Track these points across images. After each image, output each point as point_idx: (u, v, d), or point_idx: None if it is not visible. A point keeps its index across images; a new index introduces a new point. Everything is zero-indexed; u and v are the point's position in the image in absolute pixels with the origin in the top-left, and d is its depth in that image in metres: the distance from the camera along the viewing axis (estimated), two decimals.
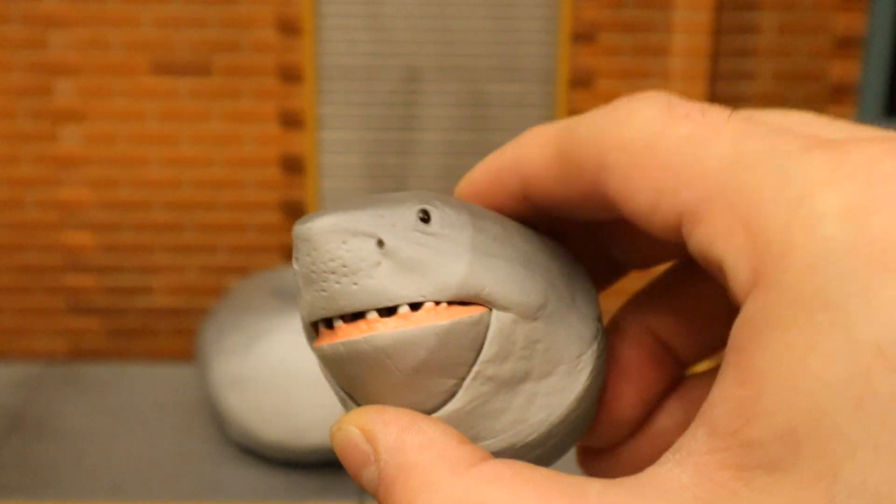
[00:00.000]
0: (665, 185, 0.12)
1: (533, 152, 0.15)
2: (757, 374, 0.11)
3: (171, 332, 0.49)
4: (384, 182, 0.47)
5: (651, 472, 0.12)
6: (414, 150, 0.47)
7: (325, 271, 0.14)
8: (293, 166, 0.47)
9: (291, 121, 0.46)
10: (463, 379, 0.14)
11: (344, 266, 0.14)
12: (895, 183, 0.11)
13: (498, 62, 0.46)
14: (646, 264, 0.17)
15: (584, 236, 0.17)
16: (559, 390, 0.15)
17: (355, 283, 0.14)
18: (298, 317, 0.38)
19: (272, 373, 0.36)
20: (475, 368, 0.15)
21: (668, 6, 0.44)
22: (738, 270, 0.11)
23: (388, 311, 0.14)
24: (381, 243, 0.14)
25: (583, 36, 0.45)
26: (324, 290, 0.15)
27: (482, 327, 0.15)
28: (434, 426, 0.14)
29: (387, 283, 0.15)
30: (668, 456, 0.12)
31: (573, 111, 0.47)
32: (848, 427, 0.11)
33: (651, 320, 0.17)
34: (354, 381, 0.15)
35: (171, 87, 0.46)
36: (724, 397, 0.12)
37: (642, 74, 0.46)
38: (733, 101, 0.46)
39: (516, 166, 0.15)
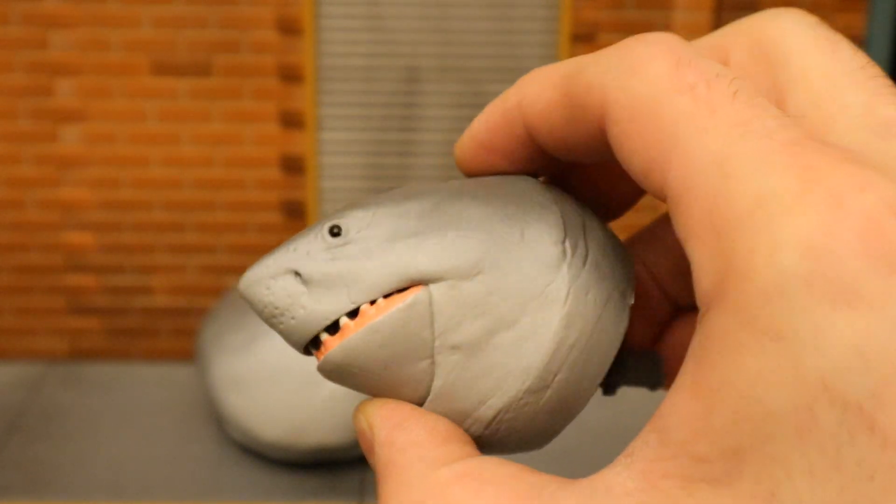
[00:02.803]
0: (656, 159, 0.13)
1: (538, 93, 0.15)
2: (709, 391, 0.12)
3: (171, 332, 0.49)
4: (384, 182, 0.47)
5: (603, 474, 0.12)
6: (414, 150, 0.47)
7: (268, 318, 0.16)
8: (293, 166, 0.47)
9: (291, 121, 0.46)
10: (432, 357, 0.16)
11: (276, 308, 0.17)
12: (860, 221, 0.11)
13: (498, 62, 0.46)
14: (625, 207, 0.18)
15: (585, 180, 0.18)
16: (536, 328, 0.16)
17: (293, 318, 0.16)
18: None
19: (272, 372, 0.36)
20: (436, 343, 0.16)
21: (668, 7, 0.44)
22: (702, 279, 0.12)
23: (336, 329, 0.16)
24: (297, 275, 0.16)
25: (583, 36, 0.45)
26: (280, 332, 0.17)
27: (424, 305, 0.17)
28: (422, 425, 0.15)
29: (316, 306, 0.16)
30: (620, 459, 0.12)
31: None
32: (788, 453, 0.11)
33: (648, 258, 0.18)
34: (353, 387, 0.17)
35: (171, 87, 0.46)
36: (677, 407, 0.12)
37: None
38: None
39: (520, 109, 0.16)
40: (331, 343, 0.17)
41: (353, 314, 0.17)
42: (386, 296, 0.17)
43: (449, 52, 0.45)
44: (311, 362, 0.36)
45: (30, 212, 0.47)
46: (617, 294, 0.17)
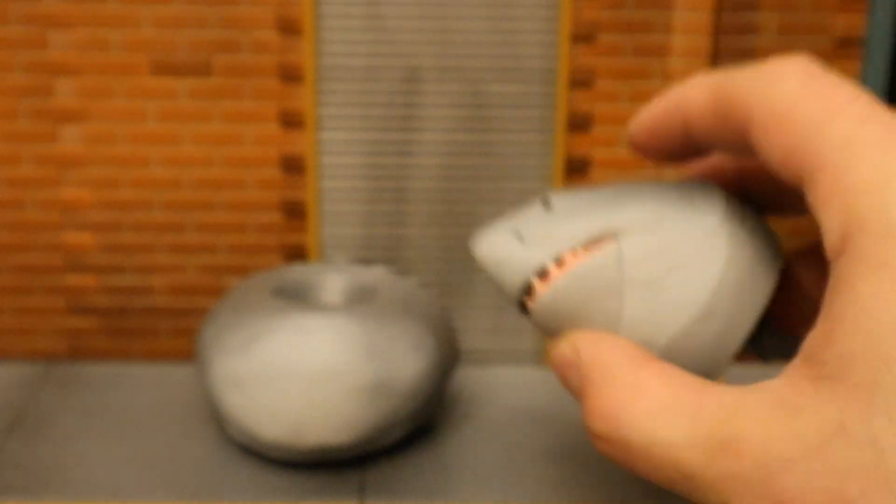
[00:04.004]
0: (794, 148, 0.17)
1: (694, 96, 0.20)
2: (835, 315, 0.16)
3: (171, 332, 0.49)
4: (384, 182, 0.47)
5: (761, 383, 0.17)
6: (414, 150, 0.47)
7: (492, 270, 0.23)
8: (293, 166, 0.47)
9: (291, 121, 0.46)
10: (621, 294, 0.21)
11: (498, 260, 0.23)
12: None
13: (498, 63, 0.46)
14: (782, 212, 0.23)
15: (737, 182, 0.23)
16: (703, 269, 0.21)
17: (511, 268, 0.23)
18: (300, 316, 0.38)
19: (272, 372, 0.36)
20: (625, 283, 0.21)
21: (668, 7, 0.44)
22: (831, 235, 0.16)
23: (545, 277, 0.23)
24: (517, 234, 0.22)
25: (582, 36, 0.45)
26: (501, 282, 0.23)
27: (614, 252, 0.21)
28: (621, 342, 0.21)
29: (528, 256, 0.23)
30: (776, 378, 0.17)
31: (573, 111, 0.47)
32: (890, 351, 0.14)
33: (801, 272, 0.24)
34: (557, 329, 0.22)
35: (171, 87, 0.46)
36: (814, 332, 0.16)
37: (642, 75, 0.46)
38: None
39: (679, 108, 0.20)
40: (540, 287, 0.23)
41: (559, 264, 0.22)
42: (585, 248, 0.22)
43: (449, 52, 0.45)
44: (312, 361, 0.36)
45: (29, 212, 0.47)
46: (769, 255, 0.21)
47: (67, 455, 0.40)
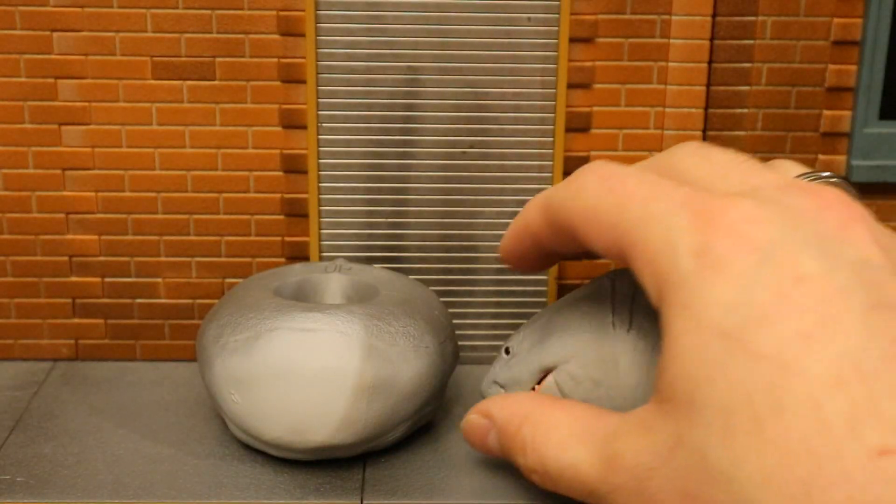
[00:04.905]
0: (608, 240, 0.21)
1: (532, 218, 0.25)
2: (663, 353, 0.19)
3: (173, 332, 0.49)
4: (384, 182, 0.48)
5: (635, 409, 0.22)
6: (414, 150, 0.47)
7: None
8: (294, 167, 0.47)
9: (292, 122, 0.46)
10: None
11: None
12: (725, 229, 0.19)
13: (497, 64, 0.46)
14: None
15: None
16: (610, 381, 0.30)
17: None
18: (300, 315, 0.39)
19: (273, 371, 0.36)
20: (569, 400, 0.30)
21: (667, 10, 0.45)
22: (651, 293, 0.20)
23: None
24: (496, 383, 0.35)
25: (582, 38, 0.45)
26: None
27: (553, 385, 0.31)
28: (520, 392, 0.29)
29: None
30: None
31: (572, 112, 0.47)
32: (698, 373, 0.18)
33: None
34: None
35: (174, 89, 0.46)
36: (657, 367, 0.20)
37: (640, 77, 0.46)
38: (730, 102, 0.46)
39: (525, 230, 0.26)
40: None
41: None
42: (538, 382, 0.32)
43: (449, 53, 0.46)
44: (313, 361, 0.37)
45: (34, 212, 0.47)
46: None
47: (71, 453, 0.40)
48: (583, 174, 0.23)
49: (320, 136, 0.46)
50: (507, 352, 0.34)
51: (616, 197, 0.21)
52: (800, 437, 0.16)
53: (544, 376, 0.32)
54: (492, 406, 0.27)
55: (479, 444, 0.30)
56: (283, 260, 0.48)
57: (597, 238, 0.22)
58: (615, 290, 0.31)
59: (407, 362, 0.37)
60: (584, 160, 0.47)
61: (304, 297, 0.43)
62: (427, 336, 0.38)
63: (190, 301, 0.49)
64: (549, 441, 0.23)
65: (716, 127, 0.46)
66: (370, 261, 0.48)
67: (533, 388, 0.32)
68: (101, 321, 0.49)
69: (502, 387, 0.34)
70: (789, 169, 0.25)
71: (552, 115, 0.46)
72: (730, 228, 0.19)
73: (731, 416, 0.17)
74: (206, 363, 0.39)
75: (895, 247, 0.20)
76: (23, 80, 0.46)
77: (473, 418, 0.29)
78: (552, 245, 0.26)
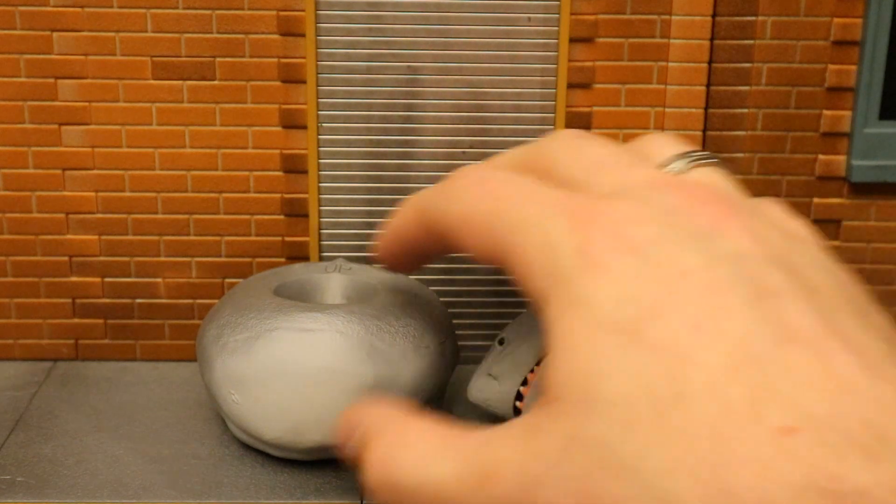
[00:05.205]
0: (486, 245, 0.21)
1: (406, 222, 0.25)
2: (550, 351, 0.19)
3: (173, 332, 0.49)
4: (384, 182, 0.48)
5: (515, 419, 0.20)
6: (414, 150, 0.47)
7: (484, 405, 0.38)
8: (294, 167, 0.47)
9: (293, 122, 0.46)
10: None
11: (487, 399, 0.37)
12: (604, 229, 0.19)
13: (498, 63, 0.46)
14: None
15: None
16: None
17: (496, 402, 0.38)
18: (299, 315, 0.39)
19: (273, 372, 0.36)
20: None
21: (667, 10, 0.45)
22: (533, 296, 0.20)
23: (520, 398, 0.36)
24: (490, 375, 0.37)
25: (581, 38, 0.45)
26: (494, 413, 0.38)
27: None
28: (391, 399, 0.25)
29: (504, 390, 0.37)
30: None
31: (572, 112, 0.47)
32: (591, 369, 0.18)
33: None
34: None
35: (174, 89, 0.46)
36: (541, 369, 0.20)
37: (640, 77, 0.46)
38: (730, 102, 0.46)
39: (401, 233, 0.26)
40: (520, 406, 0.35)
41: (525, 385, 0.35)
42: (531, 371, 0.34)
43: (449, 52, 0.46)
44: (313, 361, 0.37)
45: (34, 212, 0.47)
46: None
47: (71, 454, 0.40)
48: (457, 179, 0.23)
49: (320, 136, 0.46)
50: (500, 343, 0.35)
51: (491, 202, 0.21)
52: (704, 423, 0.16)
53: (537, 364, 0.33)
54: (358, 412, 0.24)
55: (345, 452, 0.26)
56: (283, 260, 0.48)
57: (473, 244, 0.22)
58: None
59: (407, 362, 0.37)
60: None
61: (304, 298, 0.43)
62: (427, 336, 0.38)
63: (190, 301, 0.49)
64: (405, 456, 0.21)
65: (716, 127, 0.46)
66: (370, 261, 0.48)
67: (525, 379, 0.33)
68: (100, 321, 0.49)
69: (495, 378, 0.35)
70: (663, 147, 0.24)
71: (552, 115, 0.46)
72: (608, 229, 0.19)
73: (631, 408, 0.17)
74: (206, 363, 0.39)
75: (768, 231, 0.20)
76: (23, 80, 0.46)
77: (342, 423, 0.25)
78: (427, 248, 0.26)
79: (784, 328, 0.18)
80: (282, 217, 0.48)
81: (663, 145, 0.25)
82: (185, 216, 0.48)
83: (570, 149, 0.23)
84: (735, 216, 0.20)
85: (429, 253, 0.27)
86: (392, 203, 0.48)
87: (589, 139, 0.24)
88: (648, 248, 0.19)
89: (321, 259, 0.48)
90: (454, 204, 0.23)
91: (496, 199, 0.21)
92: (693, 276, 0.18)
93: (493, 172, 0.23)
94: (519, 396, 0.36)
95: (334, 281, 0.44)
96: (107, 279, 0.49)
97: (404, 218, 0.26)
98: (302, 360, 0.36)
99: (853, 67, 0.46)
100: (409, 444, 0.21)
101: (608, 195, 0.21)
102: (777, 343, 0.17)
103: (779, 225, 0.22)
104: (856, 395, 0.16)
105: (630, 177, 0.22)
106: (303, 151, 0.47)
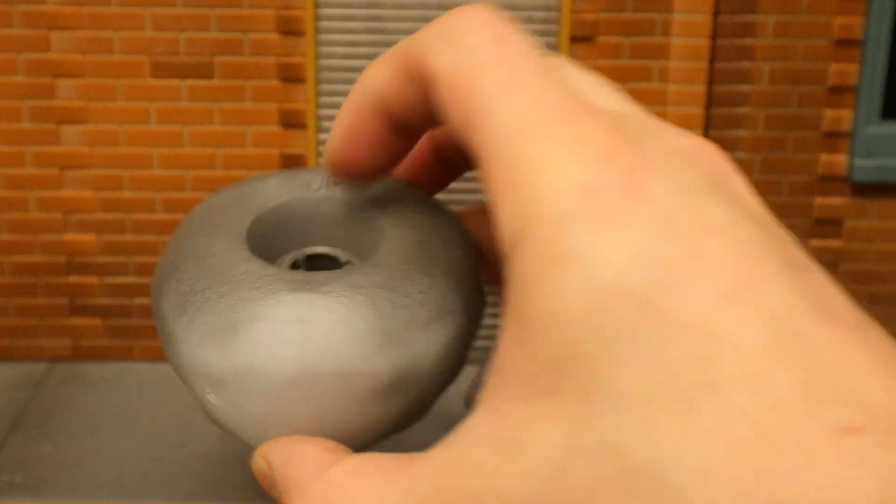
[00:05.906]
0: (470, 124, 0.15)
1: (377, 73, 0.16)
2: (524, 318, 0.14)
3: None
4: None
5: (461, 424, 0.14)
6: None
7: None
8: (294, 167, 0.47)
9: (292, 121, 0.46)
10: None
11: None
12: (619, 170, 0.14)
13: None
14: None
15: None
16: None
17: None
18: (288, 298, 0.38)
19: (259, 377, 0.36)
20: None
21: (668, 8, 0.45)
22: (505, 227, 0.14)
23: None
24: None
25: (582, 37, 0.45)
26: None
27: None
28: (308, 439, 0.17)
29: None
30: (472, 412, 0.14)
31: None
32: (595, 350, 0.13)
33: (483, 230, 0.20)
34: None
35: (172, 88, 0.46)
36: (504, 342, 0.14)
37: (641, 75, 0.46)
38: (732, 101, 0.46)
39: (366, 96, 0.17)
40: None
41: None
42: None
43: None
44: (310, 365, 0.36)
45: (32, 212, 0.47)
46: None
47: (69, 454, 0.40)
48: (462, 17, 0.16)
49: (320, 136, 0.46)
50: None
51: (506, 73, 0.15)
52: (744, 420, 0.13)
53: None
54: (270, 452, 0.18)
55: (265, 490, 0.19)
56: None
57: (456, 111, 0.16)
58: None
59: (428, 338, 0.35)
60: None
61: (287, 242, 0.41)
62: (451, 294, 0.36)
63: None
64: None
65: (717, 126, 0.46)
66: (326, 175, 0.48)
67: None
68: (99, 321, 0.49)
69: None
70: (593, 81, 0.18)
71: None
72: (626, 169, 0.14)
73: (651, 402, 0.13)
74: (168, 341, 0.37)
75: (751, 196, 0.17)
76: (21, 79, 0.46)
77: (257, 460, 0.18)
78: (403, 111, 0.18)
79: (824, 307, 0.14)
80: None
81: (592, 80, 0.18)
82: (184, 215, 0.47)
83: (575, 69, 0.16)
84: (737, 172, 0.15)
85: (405, 126, 0.18)
86: None
87: (583, 69, 0.17)
88: (667, 197, 0.14)
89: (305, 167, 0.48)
90: (458, 50, 0.16)
91: (515, 72, 0.15)
92: (722, 234, 0.14)
93: (508, 21, 0.15)
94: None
95: (324, 208, 0.43)
96: (105, 279, 0.49)
97: (375, 71, 0.17)
98: (296, 364, 0.35)
99: (854, 67, 0.46)
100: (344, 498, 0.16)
101: (629, 130, 0.15)
102: (822, 323, 0.13)
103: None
104: None
105: (626, 107, 0.16)
106: (302, 151, 0.46)
